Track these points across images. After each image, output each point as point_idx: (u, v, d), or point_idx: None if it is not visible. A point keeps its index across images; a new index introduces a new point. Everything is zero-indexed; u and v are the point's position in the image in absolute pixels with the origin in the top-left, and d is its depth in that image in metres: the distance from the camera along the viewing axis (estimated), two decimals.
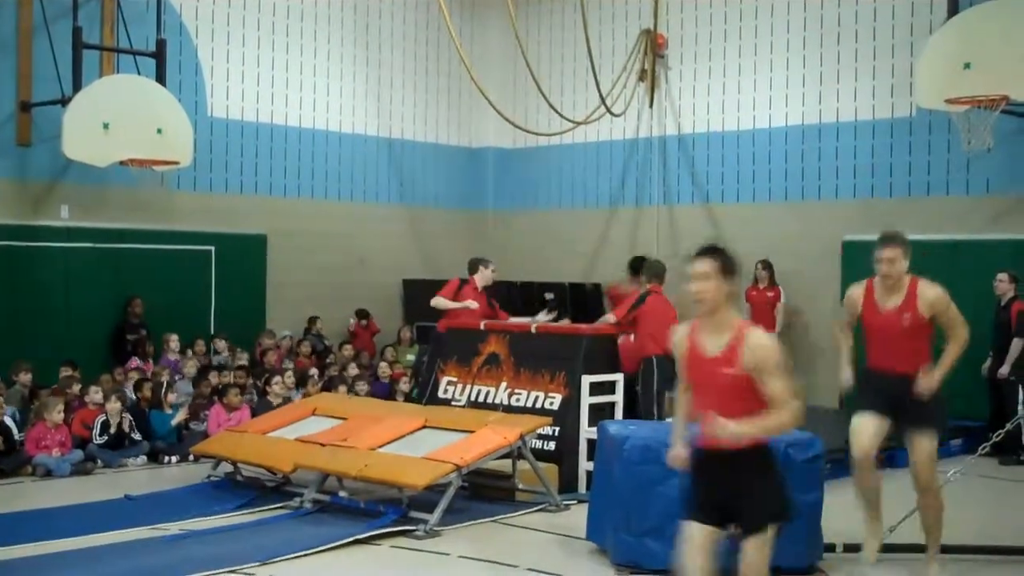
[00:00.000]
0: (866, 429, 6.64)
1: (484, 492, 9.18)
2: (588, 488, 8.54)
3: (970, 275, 12.30)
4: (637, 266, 11.65)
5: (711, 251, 4.96)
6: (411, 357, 14.58)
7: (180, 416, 11.53)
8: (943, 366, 6.59)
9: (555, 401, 9.73)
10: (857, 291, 6.94)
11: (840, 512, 7.54)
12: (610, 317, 10.60)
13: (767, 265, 13.98)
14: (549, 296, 16.09)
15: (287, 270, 15.33)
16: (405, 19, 17.07)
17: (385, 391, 12.96)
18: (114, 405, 10.89)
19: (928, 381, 6.54)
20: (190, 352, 13.53)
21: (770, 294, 13.94)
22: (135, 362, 12.88)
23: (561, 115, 15.50)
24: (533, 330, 10.47)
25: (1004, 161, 12.48)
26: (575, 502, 8.89)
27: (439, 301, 11.17)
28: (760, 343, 4.87)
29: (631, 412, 9.89)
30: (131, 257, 13.82)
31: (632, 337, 10.42)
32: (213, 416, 11.43)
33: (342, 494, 8.87)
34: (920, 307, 6.60)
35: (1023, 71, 10.62)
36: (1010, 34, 10.81)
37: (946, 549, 7.43)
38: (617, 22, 16.49)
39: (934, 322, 6.64)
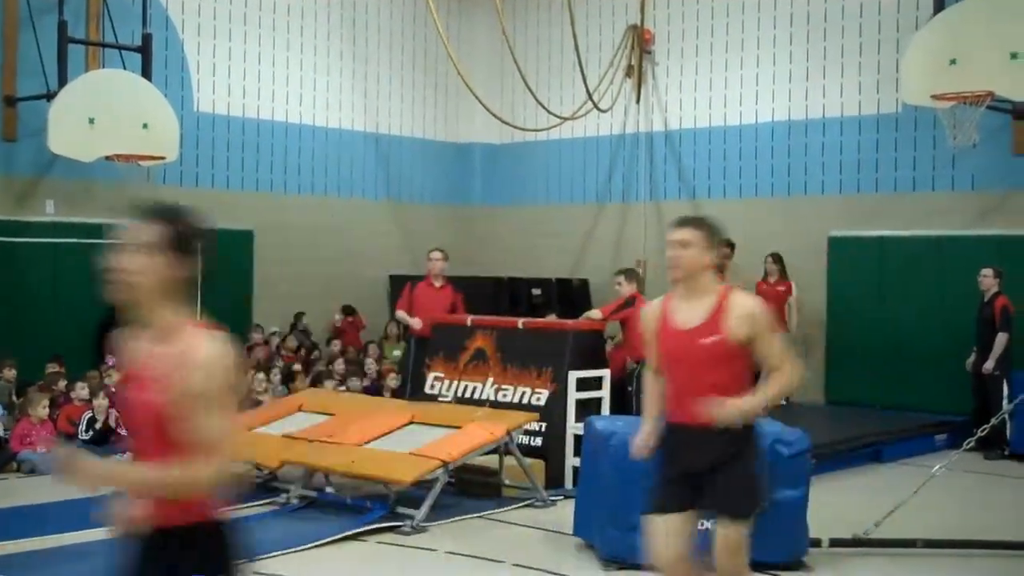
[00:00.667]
0: (660, 533, 4.85)
1: (471, 488, 9.17)
2: (575, 484, 8.54)
3: (955, 271, 12.39)
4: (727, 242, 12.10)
5: None
6: (397, 353, 14.55)
7: None
8: (758, 397, 4.69)
9: (542, 397, 9.72)
10: (654, 306, 5.04)
11: (825, 507, 7.58)
12: (595, 313, 10.62)
13: (777, 258, 13.51)
14: (536, 292, 16.13)
15: (274, 265, 15.29)
16: (392, 14, 17.04)
17: (372, 387, 12.95)
18: (101, 402, 10.86)
19: (724, 409, 4.57)
20: None
21: (780, 288, 13.44)
22: (112, 359, 12.79)
23: (548, 111, 15.50)
24: (520, 325, 10.47)
25: (989, 157, 12.51)
26: (562, 498, 8.88)
27: (400, 316, 11.80)
28: None
29: (619, 410, 9.89)
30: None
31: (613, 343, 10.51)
32: None
33: (329, 490, 8.86)
34: (731, 324, 4.69)
35: (1009, 67, 10.65)
36: (996, 30, 10.83)
37: (932, 544, 7.47)
38: (604, 17, 16.49)
39: (750, 349, 4.75)
